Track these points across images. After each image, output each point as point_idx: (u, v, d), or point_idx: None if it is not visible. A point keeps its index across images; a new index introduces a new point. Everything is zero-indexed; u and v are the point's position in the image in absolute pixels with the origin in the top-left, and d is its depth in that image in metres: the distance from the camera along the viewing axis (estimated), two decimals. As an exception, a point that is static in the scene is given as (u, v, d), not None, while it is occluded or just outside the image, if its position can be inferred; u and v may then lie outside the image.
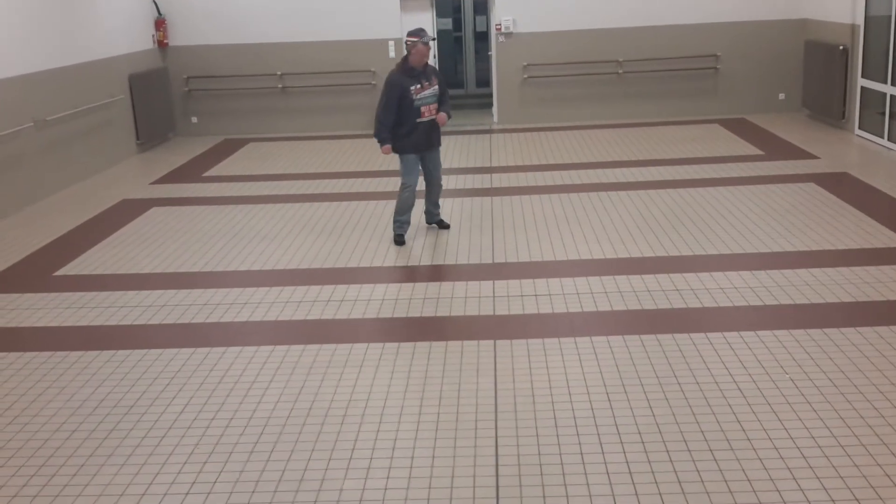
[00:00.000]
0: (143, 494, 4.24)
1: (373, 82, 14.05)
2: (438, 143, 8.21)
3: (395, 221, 8.15)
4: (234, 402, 5.16)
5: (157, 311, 6.65)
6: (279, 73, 14.10)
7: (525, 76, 13.99)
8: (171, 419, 4.98)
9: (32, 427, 4.97)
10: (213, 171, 11.66)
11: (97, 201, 10.22)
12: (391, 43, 13.98)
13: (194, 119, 14.42)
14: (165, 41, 13.98)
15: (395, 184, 10.41)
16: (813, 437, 4.45)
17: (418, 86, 7.83)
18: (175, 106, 14.31)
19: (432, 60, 14.13)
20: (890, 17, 10.86)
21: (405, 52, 7.91)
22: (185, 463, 4.51)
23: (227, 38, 14.05)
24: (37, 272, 7.74)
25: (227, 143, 13.66)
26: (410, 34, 7.84)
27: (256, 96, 14.28)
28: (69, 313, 6.71)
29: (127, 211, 9.74)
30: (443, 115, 8.01)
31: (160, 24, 13.86)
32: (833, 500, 3.93)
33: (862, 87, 11.69)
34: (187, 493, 4.23)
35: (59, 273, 7.69)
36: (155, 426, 4.91)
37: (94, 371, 5.66)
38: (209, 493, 4.22)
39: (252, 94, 14.27)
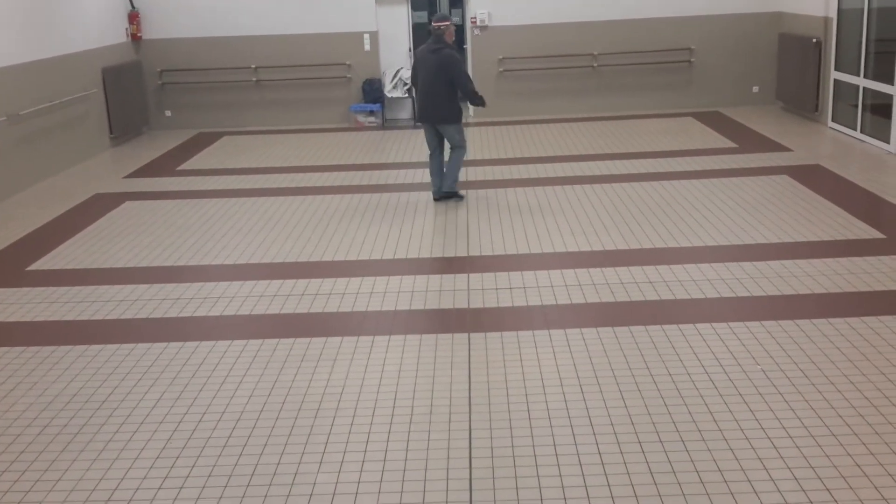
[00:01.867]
0: (115, 489, 4.21)
1: (348, 75, 14.00)
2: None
3: (455, 182, 9.11)
4: (206, 396, 5.14)
5: (131, 306, 6.61)
6: (254, 66, 14.03)
7: (500, 69, 13.99)
8: (144, 414, 4.95)
9: (3, 422, 4.93)
10: (187, 165, 11.59)
11: (70, 195, 10.14)
12: (366, 36, 13.94)
13: (168, 113, 14.32)
14: (139, 34, 13.86)
15: (369, 178, 10.41)
16: (784, 428, 4.49)
17: None
18: (149, 99, 14.21)
19: (406, 54, 14.14)
20: (862, 9, 10.94)
21: (438, 34, 8.92)
22: (157, 458, 4.48)
23: (201, 31, 13.96)
24: (10, 267, 7.67)
25: (201, 137, 13.58)
26: (442, 19, 9.00)
27: (231, 90, 14.20)
28: (42, 308, 6.66)
29: (100, 205, 9.67)
30: None
31: (133, 17, 13.74)
32: (804, 490, 3.96)
33: (835, 80, 11.78)
34: (159, 488, 4.21)
35: (32, 267, 7.62)
36: (127, 421, 4.88)
37: (66, 366, 5.62)
38: (181, 488, 4.20)
39: (227, 88, 14.19)
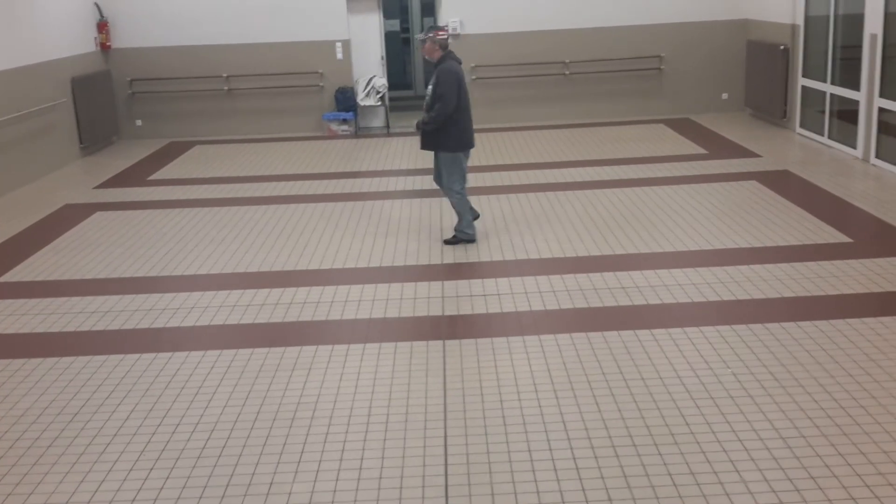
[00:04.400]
0: (89, 502, 4.19)
1: (320, 84, 14.00)
2: (434, 147, 7.83)
3: (461, 225, 7.90)
4: (180, 407, 5.11)
5: (102, 317, 6.56)
6: (225, 75, 13.98)
7: (473, 77, 14.03)
8: (117, 426, 4.92)
9: (-26, 437, 4.88)
10: (158, 175, 11.52)
11: (40, 206, 10.05)
12: (338, 44, 13.94)
13: (139, 122, 14.23)
14: (108, 44, 13.77)
15: (342, 186, 10.42)
16: (754, 430, 4.54)
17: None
18: (119, 109, 14.11)
19: (378, 62, 14.13)
20: (828, 17, 11.10)
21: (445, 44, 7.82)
22: (130, 470, 4.46)
23: (172, 39, 13.89)
24: (-23, 279, 7.60)
25: (172, 146, 13.51)
26: (429, 30, 7.82)
27: (202, 99, 14.14)
28: (11, 320, 6.59)
29: (70, 216, 9.59)
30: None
31: (102, 26, 13.65)
32: (774, 491, 4.01)
33: (802, 87, 11.93)
34: (133, 500, 4.18)
35: (1, 280, 7.55)
36: (100, 433, 4.85)
37: (37, 379, 5.57)
38: (156, 500, 4.18)
39: (198, 97, 14.13)
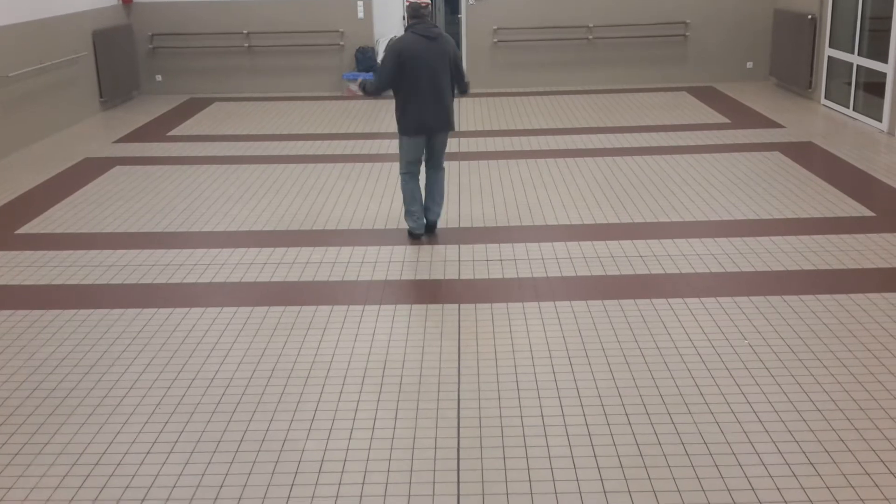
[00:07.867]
0: (104, 453, 4.22)
1: (341, 43, 13.90)
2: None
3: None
4: (196, 362, 5.14)
5: (120, 271, 6.59)
6: (246, 31, 13.90)
7: (495, 40, 13.91)
8: (133, 379, 4.96)
9: (-9, 386, 4.93)
10: (177, 131, 11.51)
11: (59, 159, 10.07)
12: (360, 3, 13.82)
13: (159, 77, 14.20)
14: (130, -3, 13.72)
15: (361, 147, 10.38)
16: (770, 402, 4.53)
17: None
18: (139, 64, 14.07)
19: (400, 22, 14.00)
20: (858, -13, 10.91)
21: (424, 13, 6.86)
22: (145, 423, 4.49)
23: (194, -5, 13.83)
24: (-3, 230, 7.64)
25: (192, 103, 13.48)
26: None
27: (223, 55, 14.08)
28: (30, 272, 6.63)
29: (90, 169, 9.61)
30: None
31: (124, -21, 13.60)
32: (787, 464, 4.00)
33: (829, 57, 11.75)
34: (147, 453, 4.22)
35: (20, 231, 7.59)
36: (116, 386, 4.88)
37: (54, 330, 5.61)
38: (170, 453, 4.22)
39: (218, 53, 14.07)
